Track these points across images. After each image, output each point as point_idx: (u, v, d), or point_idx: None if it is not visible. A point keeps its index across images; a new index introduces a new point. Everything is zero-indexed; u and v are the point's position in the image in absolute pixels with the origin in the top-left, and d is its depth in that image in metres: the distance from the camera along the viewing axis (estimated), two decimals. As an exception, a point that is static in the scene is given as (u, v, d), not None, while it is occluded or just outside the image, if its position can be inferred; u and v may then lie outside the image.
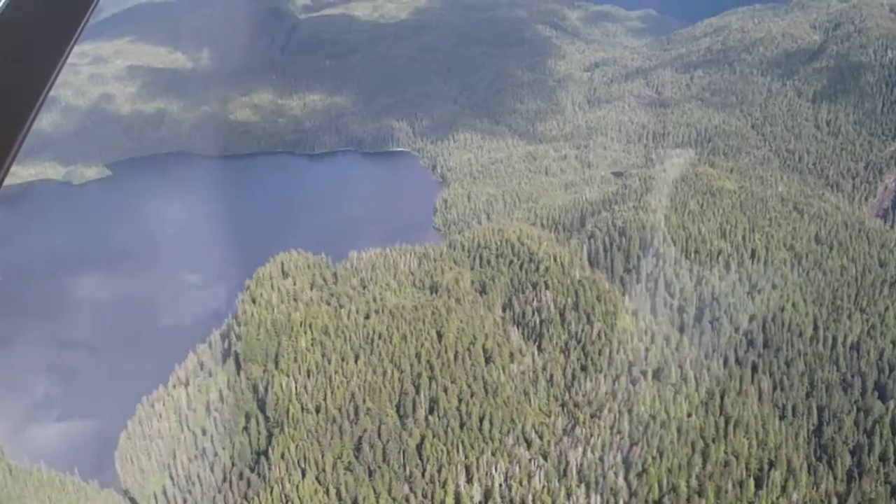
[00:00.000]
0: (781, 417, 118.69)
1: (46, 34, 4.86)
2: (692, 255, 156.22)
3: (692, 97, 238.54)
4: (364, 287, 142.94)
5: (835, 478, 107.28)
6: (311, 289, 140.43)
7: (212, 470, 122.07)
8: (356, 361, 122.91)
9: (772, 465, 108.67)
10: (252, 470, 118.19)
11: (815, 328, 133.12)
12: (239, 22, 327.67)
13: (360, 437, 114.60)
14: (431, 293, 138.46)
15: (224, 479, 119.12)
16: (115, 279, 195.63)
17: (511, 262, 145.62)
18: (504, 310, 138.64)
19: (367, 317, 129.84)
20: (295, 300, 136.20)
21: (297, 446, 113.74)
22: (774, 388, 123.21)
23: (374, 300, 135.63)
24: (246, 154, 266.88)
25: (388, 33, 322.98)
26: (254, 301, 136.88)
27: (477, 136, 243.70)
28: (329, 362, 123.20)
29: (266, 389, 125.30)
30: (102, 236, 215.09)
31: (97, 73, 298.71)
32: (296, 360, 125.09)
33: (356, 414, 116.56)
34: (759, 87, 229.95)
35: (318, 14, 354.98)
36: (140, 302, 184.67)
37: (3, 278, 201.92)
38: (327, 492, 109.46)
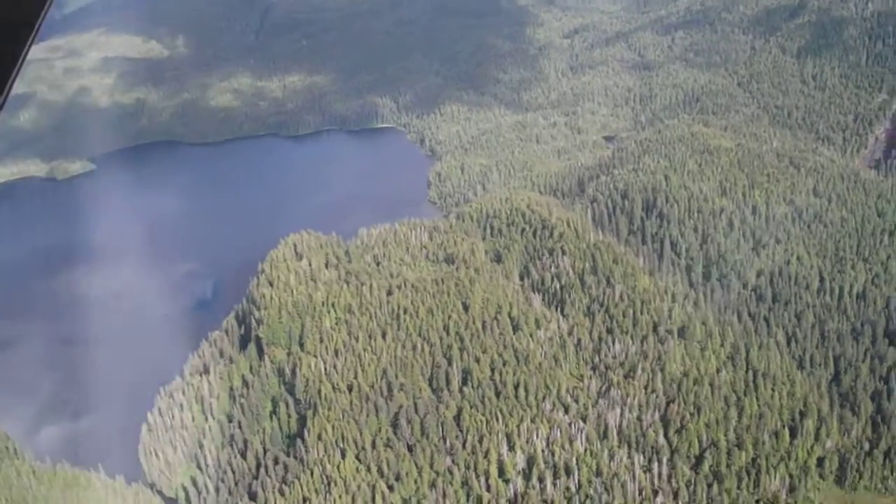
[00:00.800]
0: (800, 368, 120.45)
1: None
2: (695, 215, 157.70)
3: (675, 58, 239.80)
4: (378, 263, 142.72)
5: (862, 424, 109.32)
6: (327, 268, 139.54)
7: (243, 457, 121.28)
8: (384, 338, 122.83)
9: (802, 414, 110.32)
10: (287, 454, 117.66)
11: (821, 280, 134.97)
12: (211, 7, 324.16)
13: (396, 413, 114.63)
14: (447, 265, 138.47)
15: (258, 465, 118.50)
16: (114, 272, 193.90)
17: (523, 229, 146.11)
18: (522, 277, 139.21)
19: (389, 293, 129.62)
20: (313, 280, 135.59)
21: (333, 427, 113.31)
22: (789, 341, 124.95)
23: (393, 276, 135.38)
24: (229, 139, 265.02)
25: (363, 10, 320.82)
26: (271, 284, 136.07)
27: (463, 108, 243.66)
28: (356, 340, 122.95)
29: (293, 372, 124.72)
30: (94, 230, 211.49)
31: (72, 67, 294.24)
32: (321, 341, 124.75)
33: (390, 390, 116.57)
34: (741, 45, 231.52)
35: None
36: (142, 293, 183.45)
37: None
38: (369, 469, 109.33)
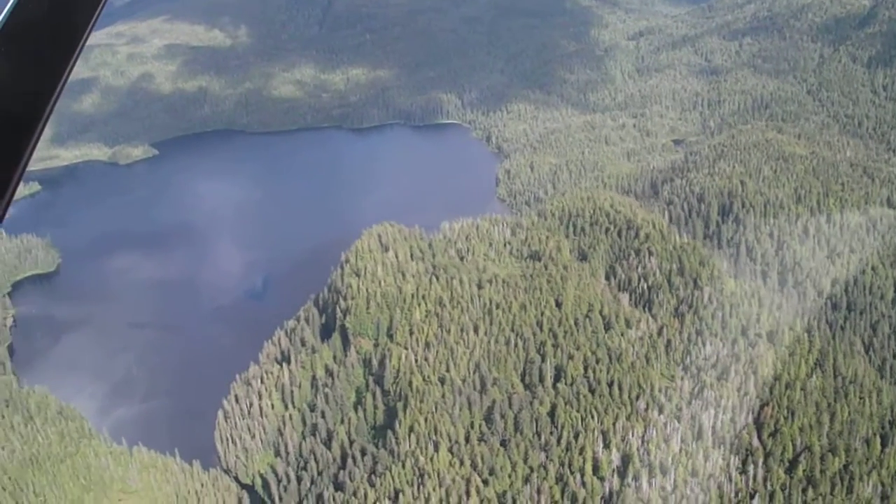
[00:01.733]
0: (881, 377, 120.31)
1: (54, 35, 4.90)
2: (771, 221, 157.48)
3: (743, 64, 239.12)
4: (461, 258, 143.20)
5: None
6: (413, 260, 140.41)
7: (327, 446, 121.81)
8: (476, 331, 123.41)
9: (892, 423, 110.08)
10: (375, 445, 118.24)
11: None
12: None
13: (489, 408, 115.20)
14: (532, 262, 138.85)
15: (344, 455, 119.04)
16: (182, 258, 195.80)
17: (607, 229, 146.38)
18: (607, 277, 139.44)
19: (479, 286, 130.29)
20: (401, 272, 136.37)
21: (426, 419, 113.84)
22: (866, 350, 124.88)
23: (480, 270, 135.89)
24: (293, 129, 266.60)
25: (426, 6, 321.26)
26: (357, 275, 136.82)
27: (530, 107, 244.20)
28: (448, 333, 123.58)
29: (381, 363, 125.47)
30: (162, 215, 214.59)
31: (135, 53, 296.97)
32: (412, 333, 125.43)
33: (483, 384, 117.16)
34: (810, 53, 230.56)
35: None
36: (209, 279, 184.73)
37: (63, 261, 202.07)
38: (462, 463, 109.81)
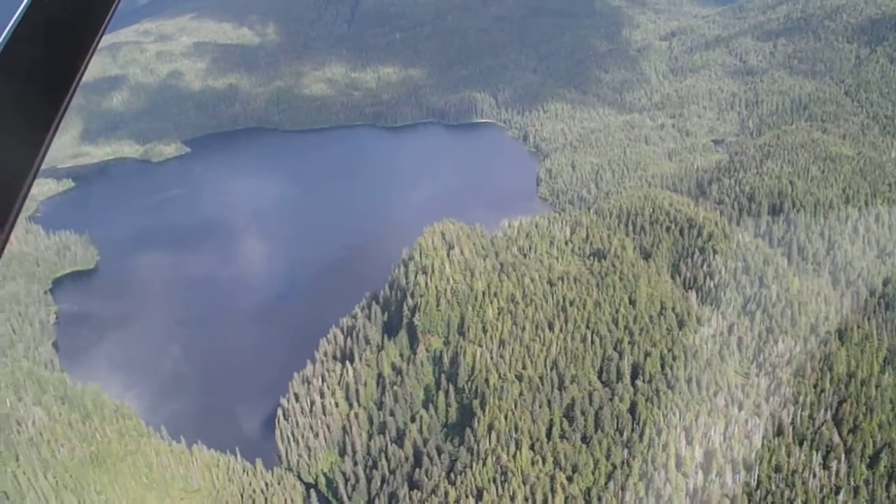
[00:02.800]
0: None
1: (63, 44, 4.81)
2: (821, 220, 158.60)
3: (778, 65, 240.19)
4: (524, 255, 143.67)
5: None
6: (478, 258, 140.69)
7: (399, 445, 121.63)
8: (551, 329, 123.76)
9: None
10: (452, 443, 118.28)
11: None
12: None
13: (569, 405, 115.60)
14: (597, 260, 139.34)
15: (417, 454, 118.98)
16: (225, 255, 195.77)
17: (668, 227, 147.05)
18: (672, 275, 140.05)
19: (551, 284, 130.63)
20: (469, 270, 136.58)
21: (505, 416, 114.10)
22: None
23: (548, 267, 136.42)
24: (325, 127, 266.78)
25: (454, 5, 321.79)
26: (424, 272, 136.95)
27: (567, 107, 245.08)
28: (522, 330, 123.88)
29: (453, 361, 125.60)
30: (200, 213, 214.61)
31: (164, 51, 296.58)
32: (485, 330, 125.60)
33: (561, 381, 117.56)
34: (846, 54, 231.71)
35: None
36: (257, 277, 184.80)
37: (101, 258, 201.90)
38: (544, 461, 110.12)
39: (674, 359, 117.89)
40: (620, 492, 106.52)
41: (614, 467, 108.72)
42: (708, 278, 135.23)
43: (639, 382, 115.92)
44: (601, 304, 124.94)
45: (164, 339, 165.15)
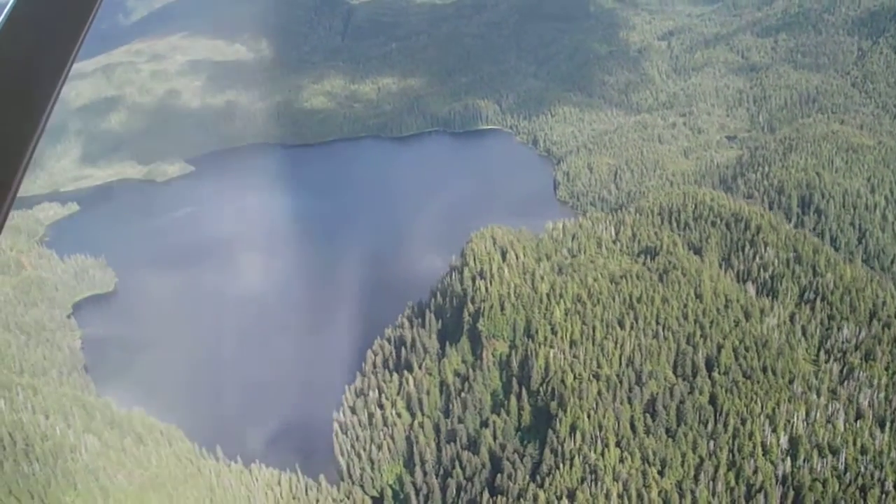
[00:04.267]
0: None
1: (49, 42, 4.91)
2: (851, 210, 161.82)
3: (781, 60, 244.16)
4: (574, 256, 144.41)
5: None
6: (535, 260, 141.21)
7: (473, 451, 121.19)
8: (621, 326, 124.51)
9: None
10: (534, 446, 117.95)
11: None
12: (292, 11, 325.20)
13: (649, 400, 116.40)
14: (648, 257, 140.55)
15: (495, 459, 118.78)
16: (248, 273, 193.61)
17: (713, 222, 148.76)
18: (724, 269, 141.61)
19: (614, 282, 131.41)
20: (527, 273, 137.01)
21: (588, 416, 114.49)
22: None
23: (601, 266, 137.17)
24: (330, 140, 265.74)
25: (448, 13, 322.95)
26: (482, 277, 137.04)
27: (574, 110, 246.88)
28: (593, 330, 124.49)
29: (523, 364, 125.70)
30: (215, 231, 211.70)
31: (159, 70, 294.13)
32: (554, 332, 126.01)
33: (639, 377, 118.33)
34: (848, 46, 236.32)
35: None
36: (284, 294, 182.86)
37: (119, 280, 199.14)
38: (632, 457, 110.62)
39: (746, 349, 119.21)
40: (711, 483, 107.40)
41: (701, 459, 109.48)
42: (762, 270, 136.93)
43: (715, 374, 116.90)
44: (668, 299, 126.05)
45: (196, 360, 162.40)
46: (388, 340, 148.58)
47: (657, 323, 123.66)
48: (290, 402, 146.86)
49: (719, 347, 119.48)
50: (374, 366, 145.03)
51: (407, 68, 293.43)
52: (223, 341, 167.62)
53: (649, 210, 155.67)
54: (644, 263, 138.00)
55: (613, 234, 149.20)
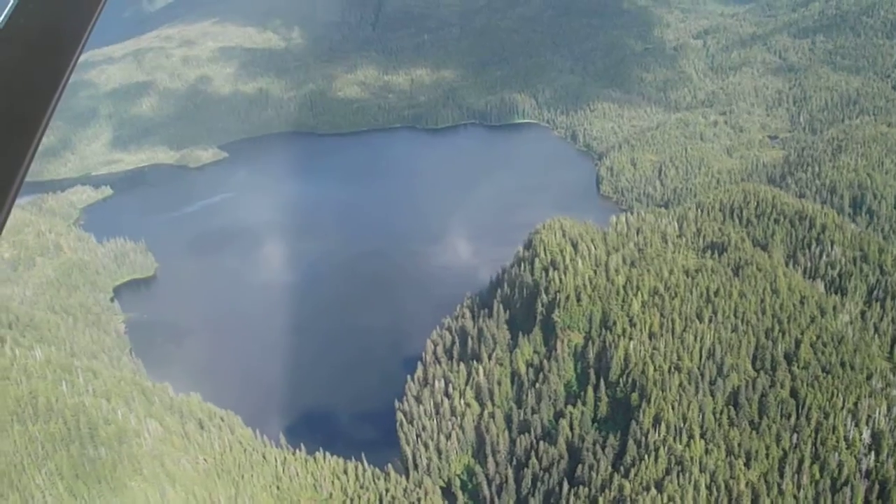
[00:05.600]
0: None
1: (56, 36, 5.01)
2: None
3: (820, 62, 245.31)
4: (640, 250, 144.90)
5: None
6: (606, 253, 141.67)
7: (550, 442, 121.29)
8: (700, 319, 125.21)
9: None
10: (614, 437, 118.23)
11: None
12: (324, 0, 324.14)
13: (732, 393, 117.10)
14: (716, 252, 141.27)
15: (573, 450, 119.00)
16: (290, 260, 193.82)
17: (777, 220, 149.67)
18: (791, 265, 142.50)
19: (689, 276, 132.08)
20: (600, 264, 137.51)
21: (671, 407, 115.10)
22: None
23: (671, 261, 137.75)
24: (364, 130, 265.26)
25: (479, 6, 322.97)
26: (555, 268, 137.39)
27: (613, 106, 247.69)
28: (672, 322, 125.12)
29: (600, 355, 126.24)
30: (254, 217, 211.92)
31: (189, 56, 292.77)
32: (633, 324, 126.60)
33: (720, 370, 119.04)
34: (887, 49, 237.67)
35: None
36: (328, 281, 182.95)
37: (159, 264, 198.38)
38: (718, 448, 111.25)
39: (823, 345, 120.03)
40: (796, 476, 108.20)
41: (785, 452, 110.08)
42: (829, 268, 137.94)
43: (794, 368, 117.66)
44: (745, 294, 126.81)
45: (245, 347, 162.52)
46: (449, 330, 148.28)
47: (735, 316, 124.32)
48: (345, 390, 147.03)
49: (797, 342, 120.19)
50: (436, 355, 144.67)
51: (440, 60, 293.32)
52: (270, 328, 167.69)
53: (710, 206, 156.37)
54: (712, 258, 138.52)
55: (677, 228, 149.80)
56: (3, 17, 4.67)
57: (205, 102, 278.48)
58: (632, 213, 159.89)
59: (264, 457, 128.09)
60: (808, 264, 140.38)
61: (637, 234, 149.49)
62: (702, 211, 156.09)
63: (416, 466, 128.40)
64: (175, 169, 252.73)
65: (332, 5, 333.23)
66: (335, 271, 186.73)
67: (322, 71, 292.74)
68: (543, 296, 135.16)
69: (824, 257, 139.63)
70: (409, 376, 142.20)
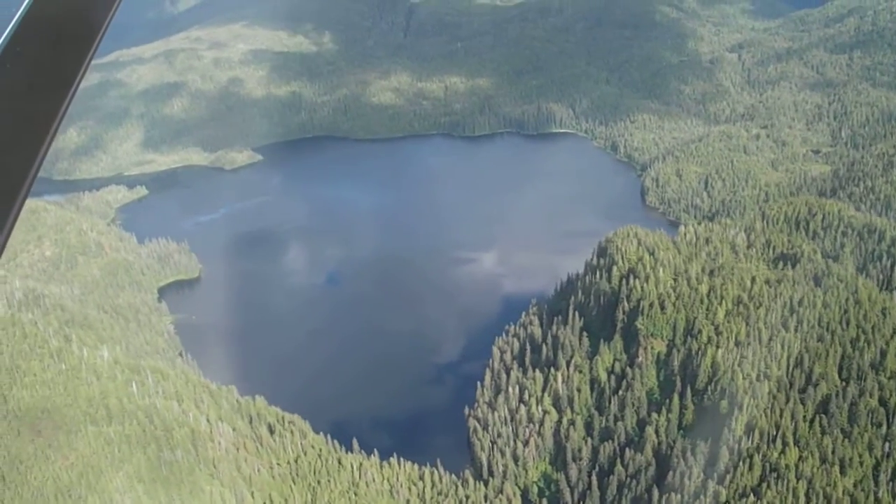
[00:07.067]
0: None
1: (67, 37, 4.95)
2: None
3: (859, 77, 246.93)
4: (713, 259, 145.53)
5: None
6: (684, 262, 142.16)
7: (636, 449, 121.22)
8: (786, 328, 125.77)
9: None
10: (704, 443, 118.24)
11: None
12: (354, 5, 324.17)
13: (822, 401, 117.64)
14: (788, 264, 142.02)
15: (660, 457, 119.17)
16: (337, 264, 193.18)
17: (844, 232, 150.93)
18: (864, 277, 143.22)
19: (770, 285, 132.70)
20: (680, 274, 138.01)
21: (763, 415, 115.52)
22: None
23: (745, 270, 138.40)
24: (400, 136, 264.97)
25: (512, 15, 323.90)
26: (635, 276, 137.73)
27: (653, 118, 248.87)
28: (757, 331, 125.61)
29: (685, 363, 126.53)
30: (296, 220, 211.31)
31: (221, 58, 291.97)
32: (718, 332, 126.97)
33: (808, 379, 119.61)
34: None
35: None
36: (378, 286, 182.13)
37: (204, 267, 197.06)
38: (812, 456, 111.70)
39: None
40: (890, 483, 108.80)
41: (878, 460, 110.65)
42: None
43: (882, 378, 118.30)
44: (829, 304, 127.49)
45: (300, 350, 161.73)
46: (517, 337, 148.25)
47: (819, 326, 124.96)
48: (407, 395, 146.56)
49: (883, 352, 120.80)
50: (504, 362, 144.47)
51: (474, 68, 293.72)
52: (322, 332, 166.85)
53: (775, 218, 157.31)
54: (785, 269, 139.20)
55: (746, 239, 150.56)
56: (14, 20, 4.65)
57: (237, 104, 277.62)
58: (699, 224, 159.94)
59: (339, 462, 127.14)
60: (881, 276, 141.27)
61: (707, 243, 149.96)
62: (767, 223, 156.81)
63: (491, 473, 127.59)
64: (210, 170, 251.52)
65: (362, 10, 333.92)
66: (383, 276, 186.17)
67: (355, 76, 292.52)
68: (625, 303, 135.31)
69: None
70: (478, 383, 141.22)
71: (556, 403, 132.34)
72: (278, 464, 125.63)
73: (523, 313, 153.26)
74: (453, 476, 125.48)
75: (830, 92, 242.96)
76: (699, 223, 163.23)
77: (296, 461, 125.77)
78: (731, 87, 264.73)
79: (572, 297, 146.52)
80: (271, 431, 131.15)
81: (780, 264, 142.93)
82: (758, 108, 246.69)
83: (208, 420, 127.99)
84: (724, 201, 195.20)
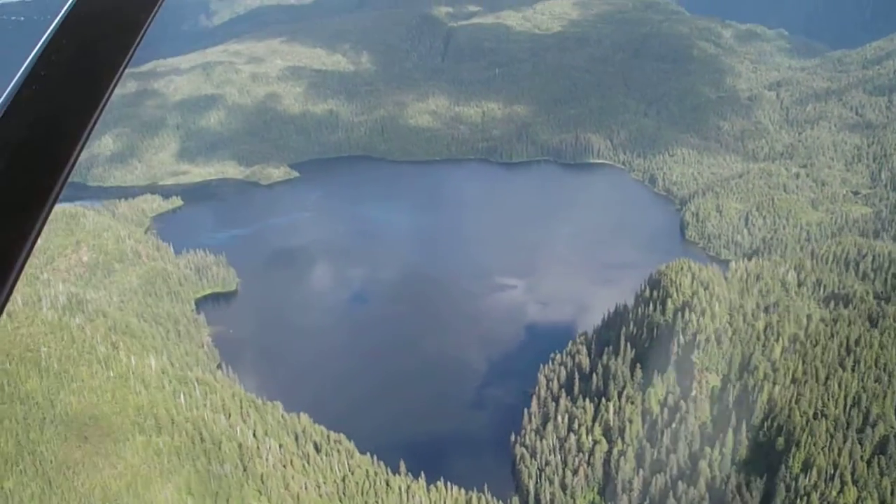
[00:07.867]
0: None
1: (108, 38, 5.00)
2: None
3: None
4: (765, 296, 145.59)
5: None
6: (738, 297, 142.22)
7: (690, 483, 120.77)
8: (843, 367, 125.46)
9: None
10: (760, 479, 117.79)
11: None
12: (394, 27, 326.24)
13: (880, 442, 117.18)
14: (840, 303, 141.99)
15: (715, 491, 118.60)
16: (377, 287, 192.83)
17: (893, 273, 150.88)
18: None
19: (827, 324, 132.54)
20: (735, 309, 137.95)
21: (821, 453, 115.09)
22: None
23: (800, 309, 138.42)
24: (437, 160, 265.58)
25: (549, 44, 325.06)
26: (690, 309, 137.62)
27: (692, 152, 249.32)
28: (814, 369, 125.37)
29: (741, 399, 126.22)
30: (335, 239, 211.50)
31: (258, 73, 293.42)
32: (775, 369, 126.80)
33: (866, 418, 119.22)
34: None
35: (468, 22, 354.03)
36: (418, 310, 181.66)
37: (242, 280, 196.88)
38: (871, 496, 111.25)
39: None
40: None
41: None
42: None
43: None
44: (886, 345, 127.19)
45: (341, 368, 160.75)
46: (564, 366, 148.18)
47: (877, 367, 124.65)
48: (449, 420, 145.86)
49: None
50: (551, 390, 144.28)
51: (512, 95, 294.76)
52: (361, 352, 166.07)
53: (824, 257, 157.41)
54: (838, 308, 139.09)
55: (796, 277, 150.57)
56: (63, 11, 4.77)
57: (274, 120, 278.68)
58: (748, 260, 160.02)
59: (388, 484, 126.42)
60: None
61: (757, 280, 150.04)
62: (816, 261, 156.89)
63: (538, 501, 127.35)
64: (245, 184, 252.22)
65: (401, 33, 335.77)
66: (420, 298, 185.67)
67: (392, 97, 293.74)
68: (681, 336, 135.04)
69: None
70: (525, 409, 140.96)
71: (607, 433, 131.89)
72: (325, 483, 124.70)
73: (570, 342, 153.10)
74: (500, 502, 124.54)
75: (870, 133, 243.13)
76: (745, 259, 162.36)
77: (343, 481, 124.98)
78: (770, 125, 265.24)
79: (623, 328, 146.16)
80: (317, 450, 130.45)
81: (832, 303, 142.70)
82: (797, 147, 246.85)
83: (255, 435, 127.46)
84: (764, 239, 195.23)
